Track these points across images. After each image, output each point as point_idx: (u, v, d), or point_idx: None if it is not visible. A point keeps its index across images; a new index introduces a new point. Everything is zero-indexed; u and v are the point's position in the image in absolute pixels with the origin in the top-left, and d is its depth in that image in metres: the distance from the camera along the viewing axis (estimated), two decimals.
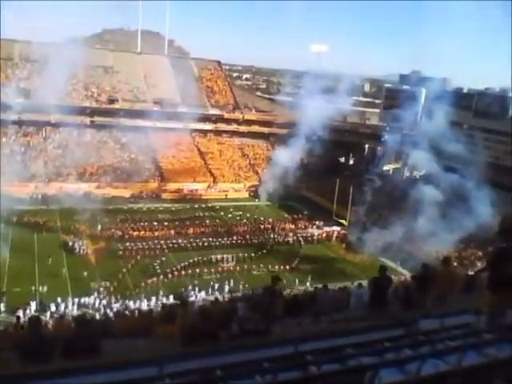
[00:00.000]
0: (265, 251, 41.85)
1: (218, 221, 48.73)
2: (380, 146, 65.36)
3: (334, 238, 47.20)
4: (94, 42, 70.24)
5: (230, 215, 51.34)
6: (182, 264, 37.38)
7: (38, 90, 61.32)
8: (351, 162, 70.66)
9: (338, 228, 48.98)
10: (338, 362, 5.13)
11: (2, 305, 28.48)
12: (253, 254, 40.86)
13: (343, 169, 64.57)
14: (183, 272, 36.24)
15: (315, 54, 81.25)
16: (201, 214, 50.99)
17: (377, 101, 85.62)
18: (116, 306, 28.97)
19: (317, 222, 50.01)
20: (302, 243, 45.25)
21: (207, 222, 47.94)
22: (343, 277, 34.00)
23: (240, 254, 40.55)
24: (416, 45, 72.89)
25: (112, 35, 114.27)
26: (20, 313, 26.32)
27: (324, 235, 47.47)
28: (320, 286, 15.68)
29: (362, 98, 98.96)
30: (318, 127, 56.56)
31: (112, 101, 66.14)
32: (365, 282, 11.81)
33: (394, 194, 49.49)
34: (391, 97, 67.84)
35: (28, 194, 49.83)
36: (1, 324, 24.16)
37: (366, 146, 68.97)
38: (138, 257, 38.57)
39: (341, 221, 50.31)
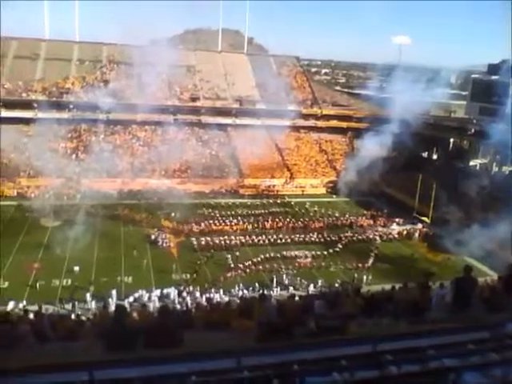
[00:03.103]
0: (342, 248, 41.33)
1: (294, 216, 48.68)
2: (466, 140, 62.26)
3: (415, 236, 45.65)
4: (177, 42, 72.53)
5: (306, 211, 51.13)
6: (259, 259, 37.83)
7: (125, 90, 64.65)
8: (435, 156, 67.78)
9: (420, 226, 47.29)
10: (418, 363, 5.02)
11: (89, 294, 30.16)
12: (330, 251, 40.50)
13: (426, 164, 62.05)
14: (260, 267, 36.69)
15: (397, 46, 78.80)
16: (277, 210, 51.17)
17: (463, 92, 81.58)
18: (195, 298, 29.83)
19: (397, 219, 48.59)
20: (381, 241, 44.19)
21: (284, 217, 48.02)
22: (424, 276, 32.76)
23: (316, 251, 40.38)
24: (505, 33, 68.52)
25: (194, 35, 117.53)
26: (107, 302, 28.05)
27: (404, 233, 46.02)
28: (399, 285, 15.24)
29: (446, 90, 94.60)
30: (399, 121, 54.85)
31: (194, 99, 68.15)
32: (447, 283, 11.34)
33: (481, 190, 46.93)
34: (478, 88, 64.32)
35: (115, 189, 52.64)
36: (88, 312, 25.73)
37: (451, 140, 65.80)
38: (217, 250, 39.48)
39: (423, 218, 48.50)
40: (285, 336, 6.85)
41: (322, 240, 42.79)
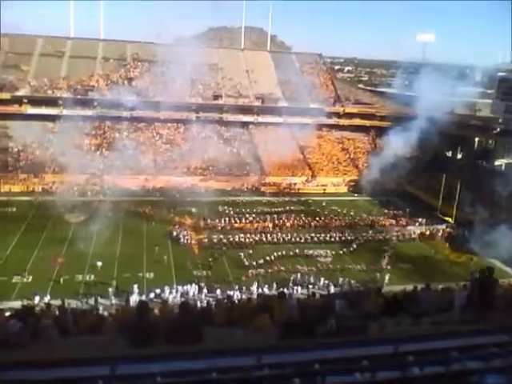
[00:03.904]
0: (363, 248, 41.02)
1: (314, 215, 48.43)
2: (491, 139, 61.12)
3: (438, 237, 45.02)
4: (200, 40, 72.93)
5: (327, 210, 50.84)
6: (280, 257, 37.84)
7: (149, 88, 65.27)
8: (459, 156, 66.73)
9: (443, 226, 46.63)
10: (441, 365, 4.96)
11: (111, 289, 30.55)
12: (350, 250, 40.25)
13: (450, 163, 61.12)
14: (280, 265, 36.66)
15: (421, 44, 77.78)
16: (298, 208, 50.98)
17: (489, 91, 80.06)
18: (216, 295, 29.95)
19: (420, 219, 48.00)
20: (404, 241, 43.74)
21: (304, 216, 47.82)
22: (446, 277, 32.31)
23: (337, 250, 40.20)
24: None
25: (217, 33, 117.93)
26: (128, 297, 28.42)
27: (427, 233, 45.43)
28: (421, 285, 15.06)
29: (472, 88, 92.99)
30: (423, 119, 54.15)
31: (216, 97, 68.43)
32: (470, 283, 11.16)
33: (506, 190, 46.02)
34: (505, 86, 63.07)
35: (138, 185, 53.27)
36: (111, 307, 26.05)
37: (476, 139, 64.68)
38: (238, 248, 39.55)
39: (446, 218, 47.82)
40: (306, 334, 6.82)
41: (343, 239, 42.51)
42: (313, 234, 42.69)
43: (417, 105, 55.66)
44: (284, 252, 38.63)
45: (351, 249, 40.45)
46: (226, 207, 48.99)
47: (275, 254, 38.09)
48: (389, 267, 36.97)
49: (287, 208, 50.62)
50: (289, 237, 41.87)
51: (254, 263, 36.39)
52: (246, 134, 67.55)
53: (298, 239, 41.65)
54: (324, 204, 52.79)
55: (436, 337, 6.26)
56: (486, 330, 6.49)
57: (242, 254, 37.83)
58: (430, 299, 10.97)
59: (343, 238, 42.60)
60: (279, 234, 42.32)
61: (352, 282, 33.23)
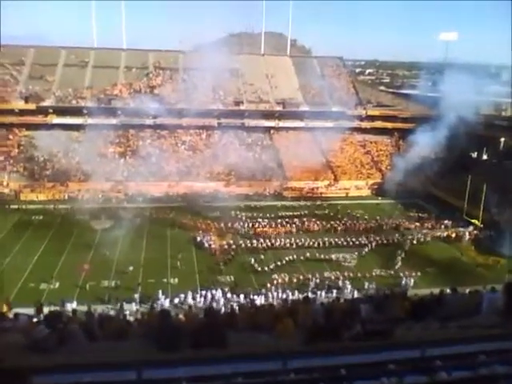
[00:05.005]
0: (387, 251, 40.56)
1: (337, 219, 48.11)
2: None
3: (464, 239, 44.23)
4: (221, 46, 73.25)
5: (350, 213, 50.42)
6: (303, 261, 37.76)
7: (171, 95, 65.94)
8: (484, 157, 65.52)
9: (470, 228, 45.78)
10: (469, 369, 4.87)
11: (137, 295, 30.82)
12: (375, 254, 39.84)
13: (475, 164, 60.06)
14: (303, 269, 36.48)
15: (444, 43, 76.77)
16: (321, 212, 50.67)
17: None
18: (240, 300, 29.96)
19: (445, 222, 47.28)
20: (429, 243, 43.15)
21: (327, 220, 47.57)
22: (474, 280, 31.67)
23: (361, 253, 39.90)
24: None
25: (237, 39, 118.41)
26: (153, 302, 28.69)
27: (453, 236, 44.68)
28: (448, 289, 14.81)
29: (497, 87, 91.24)
30: (446, 120, 53.39)
31: (237, 103, 68.69)
32: (498, 287, 10.90)
33: None
34: None
35: (162, 192, 53.82)
36: (137, 313, 26.29)
37: (502, 139, 63.43)
38: (261, 252, 39.56)
39: (472, 221, 46.95)
40: (331, 339, 6.77)
41: (366, 243, 42.13)
42: (336, 238, 42.40)
43: (440, 106, 54.92)
44: (308, 255, 38.53)
45: (375, 253, 40.01)
46: (248, 212, 49.07)
47: (298, 257, 38.09)
48: (412, 272, 36.25)
49: (310, 212, 50.41)
50: (312, 241, 41.66)
51: (275, 266, 36.45)
52: (267, 139, 67.63)
53: (321, 243, 41.43)
54: (347, 208, 52.37)
55: (463, 341, 6.14)
56: None
57: (272, 259, 37.89)
58: (457, 303, 10.78)
59: (367, 242, 42.20)
60: (302, 239, 42.14)
61: (377, 285, 32.90)
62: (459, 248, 42.71)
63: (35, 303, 19.59)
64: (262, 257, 38.51)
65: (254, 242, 41.04)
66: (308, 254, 38.88)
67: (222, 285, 33.09)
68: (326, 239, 42.09)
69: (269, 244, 40.86)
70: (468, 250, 42.14)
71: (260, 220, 46.51)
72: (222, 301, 30.24)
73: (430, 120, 56.17)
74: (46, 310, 18.15)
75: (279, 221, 46.60)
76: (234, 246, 40.18)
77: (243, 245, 40.56)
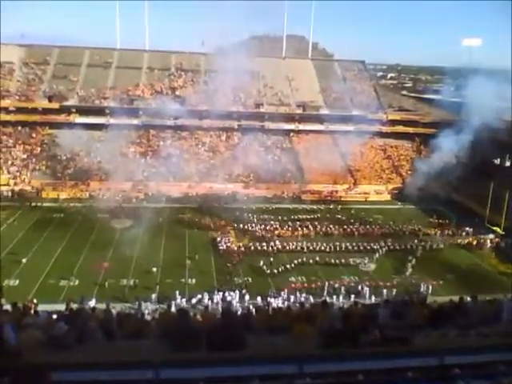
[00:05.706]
0: (406, 257, 40.12)
1: (356, 223, 47.76)
2: None
3: (485, 247, 43.53)
4: (242, 49, 73.37)
5: (370, 218, 50.00)
6: (321, 264, 37.64)
7: (192, 97, 66.35)
8: (507, 163, 64.42)
9: (491, 236, 45.05)
10: (488, 379, 4.80)
11: (154, 295, 31.01)
12: (393, 260, 39.46)
13: (498, 171, 59.08)
14: (320, 273, 36.32)
15: (467, 49, 75.78)
16: (340, 217, 50.30)
17: None
18: (257, 302, 29.94)
19: (466, 229, 46.57)
20: (449, 250, 42.58)
21: (345, 224, 47.26)
22: (494, 288, 31.13)
23: (378, 258, 39.56)
24: None
25: (259, 42, 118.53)
26: (170, 302, 28.82)
27: (474, 243, 44.01)
28: (468, 296, 14.61)
29: None
30: (469, 126, 52.63)
31: (258, 105, 68.78)
32: None
33: None
34: None
35: (181, 192, 54.17)
36: (154, 312, 26.45)
37: None
38: (278, 255, 39.48)
39: (494, 228, 46.19)
40: (349, 344, 6.73)
41: (385, 248, 41.75)
42: (354, 243, 42.11)
43: (463, 111, 54.17)
44: (326, 259, 38.38)
45: (394, 259, 39.62)
46: (266, 214, 49.05)
47: (315, 261, 37.96)
48: (431, 279, 35.81)
49: (329, 216, 50.15)
50: (330, 245, 41.42)
51: (292, 269, 36.45)
52: (287, 142, 67.58)
53: (339, 247, 41.19)
54: (365, 212, 51.96)
55: (483, 349, 6.06)
56: None
57: (289, 261, 37.81)
58: (477, 310, 10.62)
59: (384, 247, 41.83)
60: (320, 242, 41.94)
61: (395, 291, 32.61)
62: (480, 255, 42.06)
63: (67, 300, 19.75)
64: (278, 259, 38.40)
65: (272, 244, 40.99)
66: (326, 259, 38.69)
67: (239, 286, 33.13)
68: (344, 243, 41.83)
69: (286, 247, 40.77)
70: (489, 258, 41.48)
71: (278, 222, 46.43)
72: (237, 302, 30.23)
73: (452, 125, 55.44)
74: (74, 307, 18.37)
75: (297, 224, 46.45)
76: (251, 248, 40.22)
77: (260, 247, 40.53)
